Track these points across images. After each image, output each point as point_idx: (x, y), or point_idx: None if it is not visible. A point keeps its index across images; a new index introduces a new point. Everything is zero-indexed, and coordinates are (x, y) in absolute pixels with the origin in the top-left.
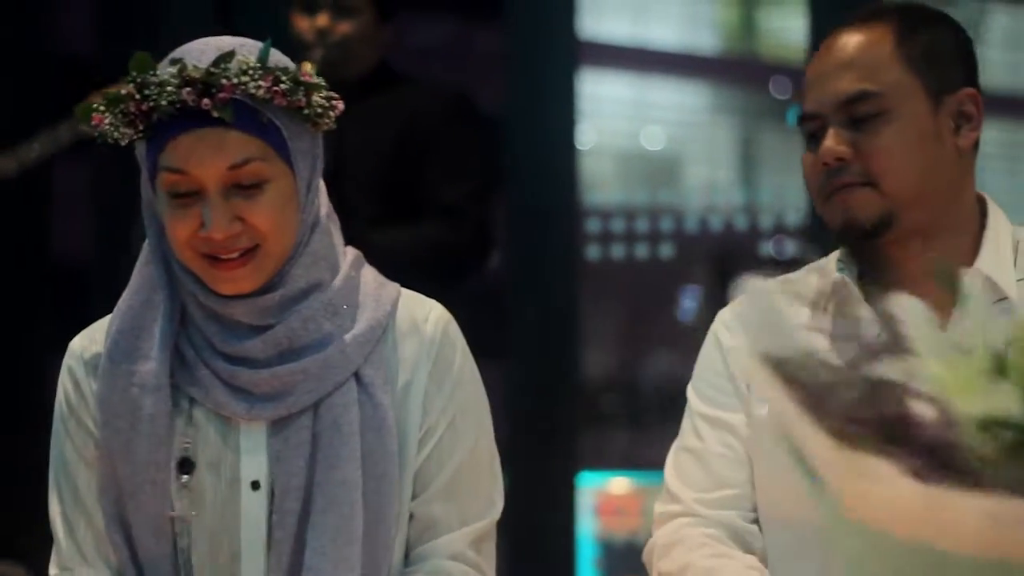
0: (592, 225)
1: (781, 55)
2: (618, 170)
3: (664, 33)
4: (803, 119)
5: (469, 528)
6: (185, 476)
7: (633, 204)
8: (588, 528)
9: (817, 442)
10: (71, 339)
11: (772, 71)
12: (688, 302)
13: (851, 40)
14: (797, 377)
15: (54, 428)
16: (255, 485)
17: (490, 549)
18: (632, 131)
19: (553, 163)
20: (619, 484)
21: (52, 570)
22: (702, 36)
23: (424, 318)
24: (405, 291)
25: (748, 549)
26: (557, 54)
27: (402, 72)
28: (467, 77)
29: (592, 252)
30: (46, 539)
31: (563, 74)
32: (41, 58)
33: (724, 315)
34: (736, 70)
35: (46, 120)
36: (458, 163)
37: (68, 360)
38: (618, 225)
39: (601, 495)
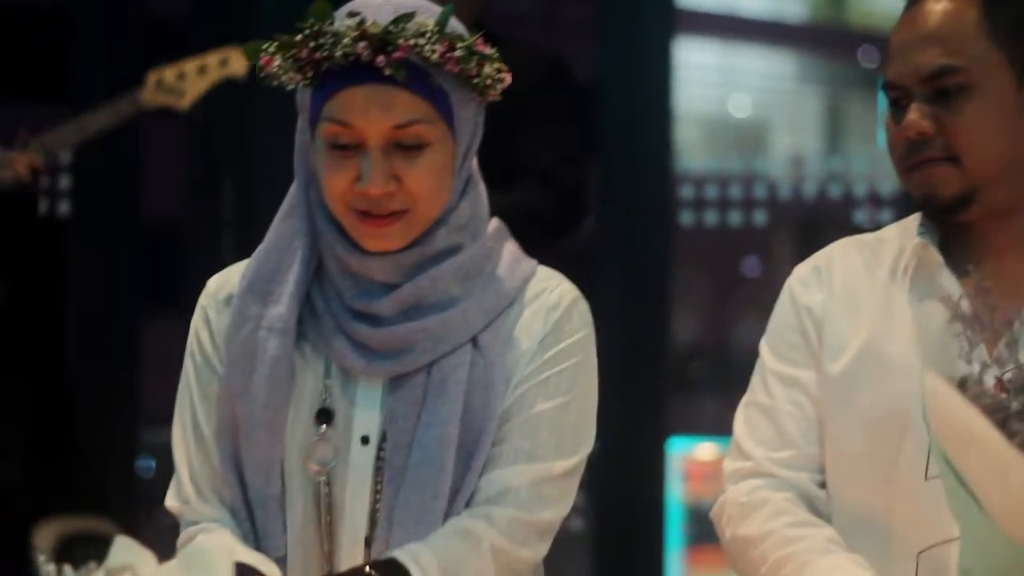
0: (684, 191)
1: (869, 23)
2: (705, 137)
3: (753, 1)
4: (886, 87)
5: (535, 466)
6: (323, 426)
7: (726, 171)
8: (676, 494)
9: (978, 461)
10: (164, 298)
11: (860, 40)
12: (779, 269)
13: (935, 9)
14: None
15: (184, 363)
16: (365, 440)
17: (553, 494)
18: (719, 98)
19: (647, 129)
20: (707, 450)
21: (168, 501)
22: (790, 4)
23: (553, 295)
24: (543, 269)
25: (817, 515)
26: (652, 20)
27: (497, 36)
28: (561, 43)
29: (684, 218)
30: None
31: (658, 40)
32: (132, 23)
33: (799, 271)
34: (824, 38)
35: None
36: (552, 128)
37: (202, 299)
38: (711, 192)
39: (690, 461)
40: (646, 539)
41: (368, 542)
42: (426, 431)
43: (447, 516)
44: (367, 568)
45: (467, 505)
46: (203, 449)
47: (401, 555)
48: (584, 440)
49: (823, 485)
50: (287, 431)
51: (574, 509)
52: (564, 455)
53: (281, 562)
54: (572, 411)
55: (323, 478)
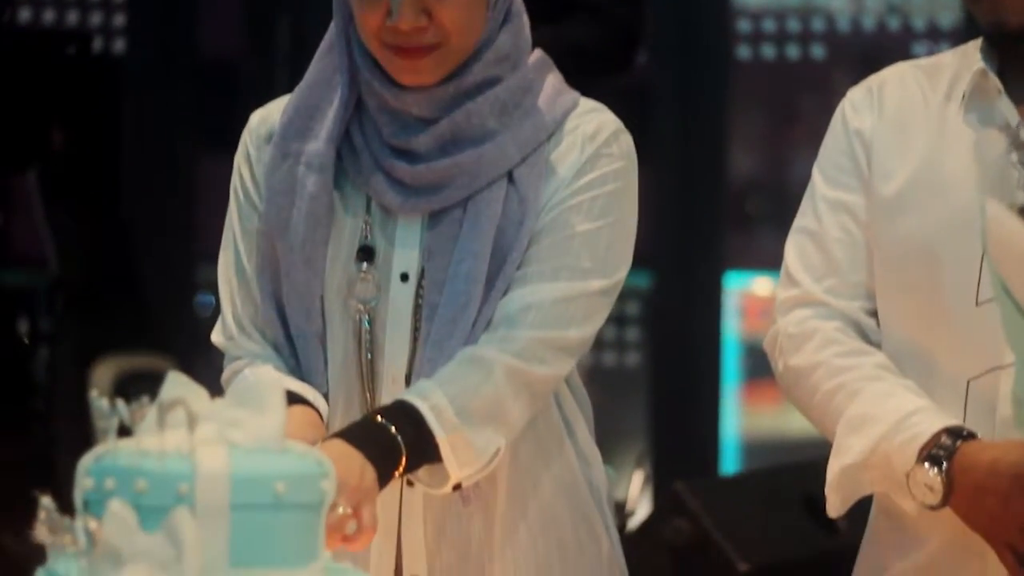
0: (741, 25)
1: None
2: None
3: None
4: None
5: (559, 284)
6: (364, 264)
7: (783, 4)
8: (733, 329)
9: None
10: (219, 136)
11: None
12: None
13: None
14: None
15: (230, 199)
16: (404, 277)
17: (578, 314)
18: None
19: None
20: (764, 285)
21: (214, 337)
22: None
23: (592, 125)
24: (586, 101)
25: (868, 343)
26: None
27: None
28: None
29: (741, 52)
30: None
31: None
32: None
33: (852, 94)
34: None
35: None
36: None
37: (244, 134)
38: (768, 25)
39: (746, 296)
40: (702, 375)
41: (408, 380)
42: (456, 267)
43: (468, 345)
44: (377, 417)
45: (487, 328)
46: (245, 285)
47: (410, 396)
48: (617, 265)
49: (873, 313)
50: (327, 269)
51: (631, 345)
52: (593, 275)
53: (323, 399)
54: (605, 235)
55: (364, 316)
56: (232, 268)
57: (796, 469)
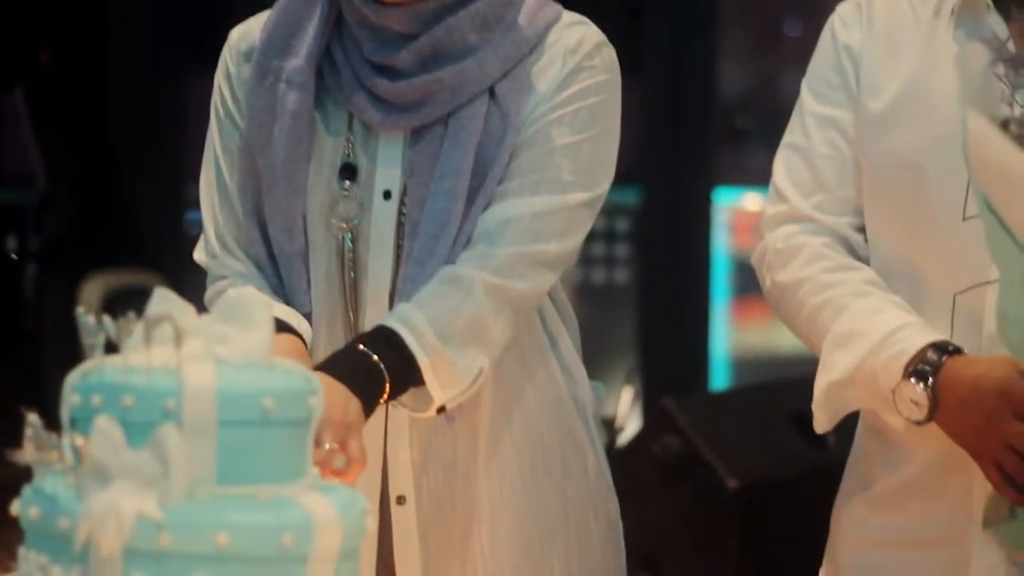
0: None
1: None
2: None
3: None
4: None
5: (539, 198)
6: (347, 181)
7: None
8: (723, 245)
9: (1019, 202)
10: (208, 54)
11: None
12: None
13: None
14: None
15: (211, 117)
16: (387, 195)
17: (558, 227)
18: None
19: None
20: (754, 200)
21: (197, 254)
22: None
23: (574, 38)
24: (568, 14)
25: (856, 259)
26: None
27: None
28: None
29: None
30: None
31: None
32: None
33: (841, 8)
34: None
35: None
36: None
37: (224, 50)
38: None
39: (736, 211)
40: (692, 291)
41: (392, 298)
42: (439, 183)
43: (448, 263)
44: (359, 346)
45: (467, 245)
46: (227, 203)
47: (390, 321)
48: (599, 178)
49: (861, 229)
50: (309, 187)
51: (620, 261)
52: (574, 188)
53: (306, 319)
54: (587, 148)
55: (347, 235)
56: (214, 186)
57: (785, 385)
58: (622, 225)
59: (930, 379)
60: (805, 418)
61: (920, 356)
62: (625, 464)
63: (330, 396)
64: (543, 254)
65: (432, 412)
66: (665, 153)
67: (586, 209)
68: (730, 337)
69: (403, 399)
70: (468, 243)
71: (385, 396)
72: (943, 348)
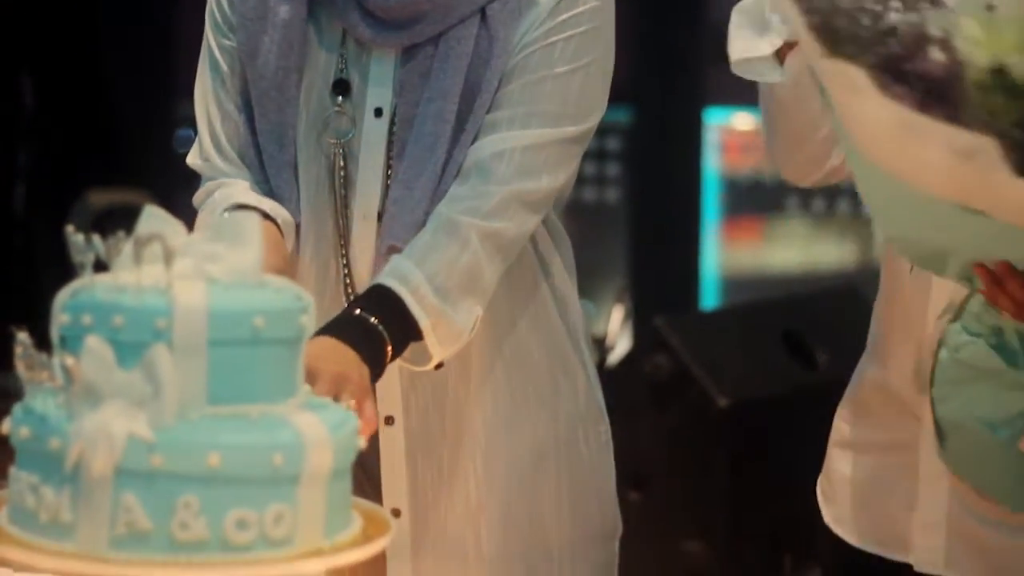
0: None
1: None
2: None
3: None
4: None
5: (531, 131)
6: (340, 97)
7: None
8: (713, 164)
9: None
10: None
11: None
12: None
13: None
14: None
15: (206, 21)
16: (378, 112)
17: (550, 161)
18: None
19: None
20: (745, 120)
21: (190, 158)
22: None
23: None
24: None
25: None
26: None
27: None
28: None
29: None
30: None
31: None
32: None
33: None
34: None
35: None
36: None
37: None
38: None
39: (726, 131)
40: (683, 210)
41: (380, 217)
42: (427, 106)
43: (437, 192)
44: (356, 311)
45: (456, 176)
46: (221, 107)
47: (389, 281)
48: (591, 109)
49: None
50: (301, 100)
51: (611, 181)
52: (565, 121)
53: (285, 212)
54: (579, 78)
55: (339, 151)
56: (208, 90)
57: (775, 304)
58: (613, 144)
59: None
60: (796, 337)
61: None
62: (615, 383)
63: (344, 357)
64: (536, 191)
65: (430, 366)
66: (656, 72)
67: (577, 144)
68: (721, 256)
69: (403, 355)
70: (459, 172)
71: (388, 359)
72: None
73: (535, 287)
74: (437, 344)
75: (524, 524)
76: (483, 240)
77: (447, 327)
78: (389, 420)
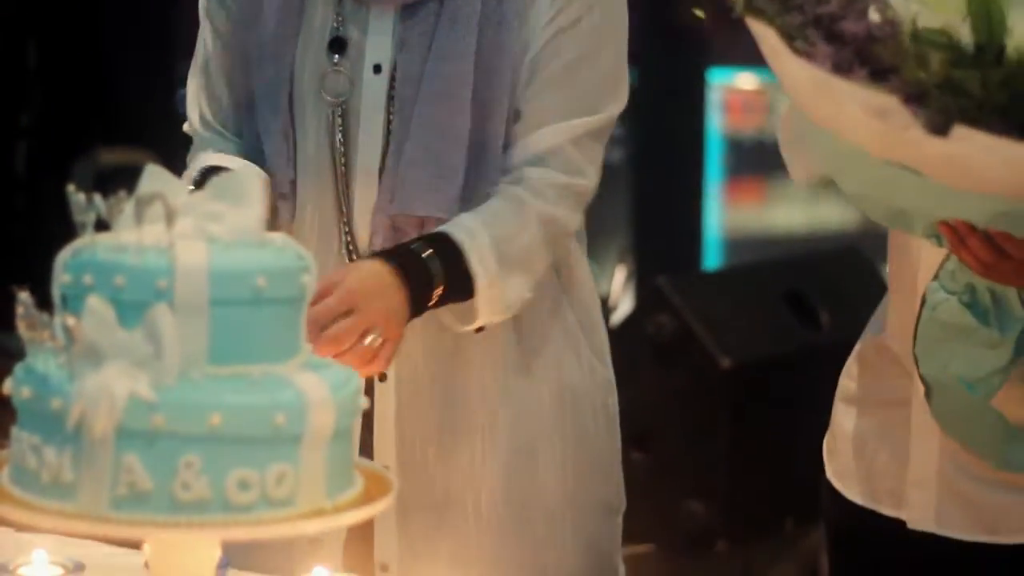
0: None
1: None
2: None
3: None
4: None
5: (574, 122)
6: (337, 56)
7: None
8: (716, 125)
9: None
10: None
11: None
12: None
13: None
14: None
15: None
16: (377, 69)
17: (595, 148)
18: None
19: None
20: (748, 80)
21: (185, 125)
22: None
23: None
24: None
25: None
26: None
27: None
28: None
29: None
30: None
31: None
32: None
33: None
34: None
35: None
36: None
37: None
38: None
39: (729, 91)
40: (685, 170)
41: (381, 173)
42: (438, 65)
43: (471, 171)
44: (414, 244)
45: (505, 171)
46: (214, 76)
47: (457, 231)
48: (620, 81)
49: None
50: (296, 61)
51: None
52: (605, 103)
53: (292, 185)
54: (610, 52)
55: (337, 110)
56: (204, 59)
57: (778, 265)
58: None
59: None
60: (798, 297)
61: None
62: (618, 343)
63: (388, 290)
64: (584, 187)
65: (471, 328)
66: (659, 32)
67: (608, 130)
68: (723, 216)
69: (443, 309)
70: (504, 147)
71: (434, 302)
72: None
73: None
74: (487, 307)
75: (524, 492)
76: (543, 225)
77: (499, 292)
78: (383, 377)
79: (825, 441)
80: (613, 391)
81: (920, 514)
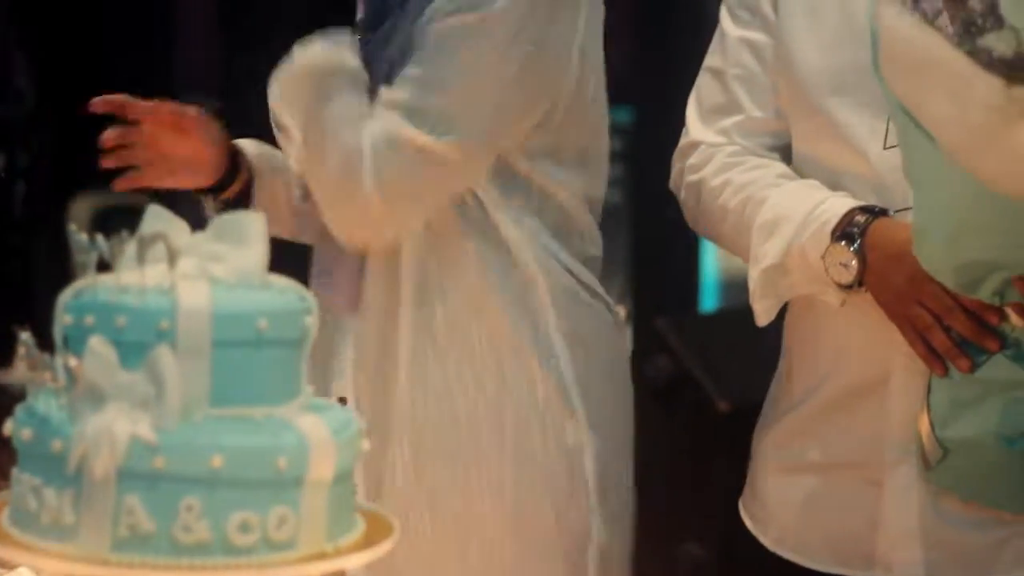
0: None
1: None
2: None
3: None
4: None
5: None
6: None
7: None
8: None
9: (935, 87)
10: None
11: None
12: None
13: None
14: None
15: None
16: None
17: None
18: None
19: None
20: None
21: None
22: None
23: None
24: None
25: None
26: None
27: None
28: None
29: None
30: None
31: None
32: None
33: None
34: None
35: None
36: None
37: None
38: None
39: None
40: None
41: None
42: None
43: None
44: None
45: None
46: None
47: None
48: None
49: (775, 149)
50: None
51: (611, 181)
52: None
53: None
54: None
55: None
56: None
57: None
58: (614, 145)
59: (857, 240)
60: None
61: (847, 219)
62: None
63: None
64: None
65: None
66: (658, 72)
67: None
68: (721, 257)
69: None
70: None
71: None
72: (870, 211)
73: (462, 256)
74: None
75: (457, 517)
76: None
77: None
78: (342, 402)
79: (748, 511)
80: (577, 417)
81: (910, 572)
